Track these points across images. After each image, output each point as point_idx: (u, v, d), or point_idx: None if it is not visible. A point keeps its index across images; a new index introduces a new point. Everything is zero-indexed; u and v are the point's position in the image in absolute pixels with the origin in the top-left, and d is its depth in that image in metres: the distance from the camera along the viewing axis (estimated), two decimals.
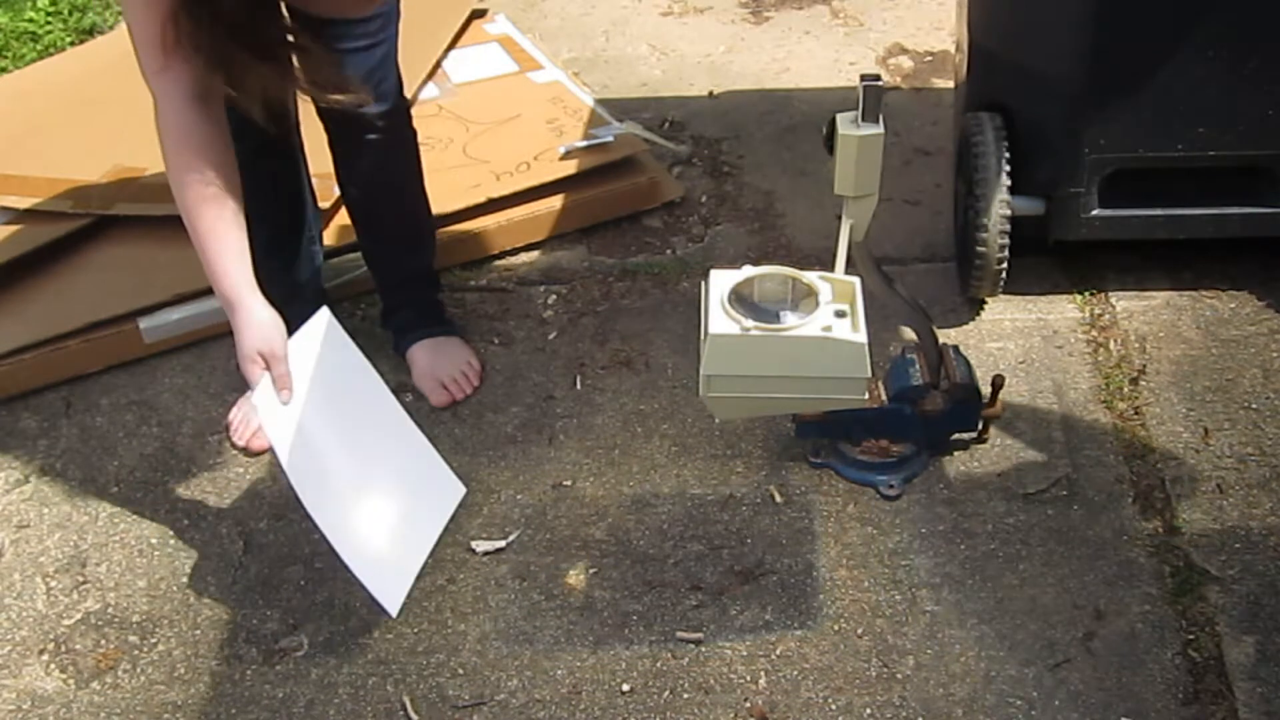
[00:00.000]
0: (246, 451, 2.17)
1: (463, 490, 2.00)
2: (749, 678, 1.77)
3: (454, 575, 1.94)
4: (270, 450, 1.79)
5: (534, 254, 2.60)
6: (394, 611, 1.81)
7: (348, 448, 1.82)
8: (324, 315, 1.84)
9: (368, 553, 1.80)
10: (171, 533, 2.04)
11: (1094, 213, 2.22)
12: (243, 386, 2.18)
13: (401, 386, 2.28)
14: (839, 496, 2.02)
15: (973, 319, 2.34)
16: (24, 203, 2.53)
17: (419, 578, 1.93)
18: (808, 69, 3.21)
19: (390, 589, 1.81)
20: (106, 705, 1.79)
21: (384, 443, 1.90)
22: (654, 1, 3.56)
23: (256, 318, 1.72)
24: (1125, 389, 2.17)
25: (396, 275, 2.30)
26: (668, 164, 2.84)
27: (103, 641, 1.88)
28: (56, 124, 2.82)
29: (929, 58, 3.22)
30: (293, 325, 1.92)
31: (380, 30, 2.00)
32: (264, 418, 1.72)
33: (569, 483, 2.08)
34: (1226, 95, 2.08)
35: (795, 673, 1.77)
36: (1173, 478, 2.01)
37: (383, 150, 2.09)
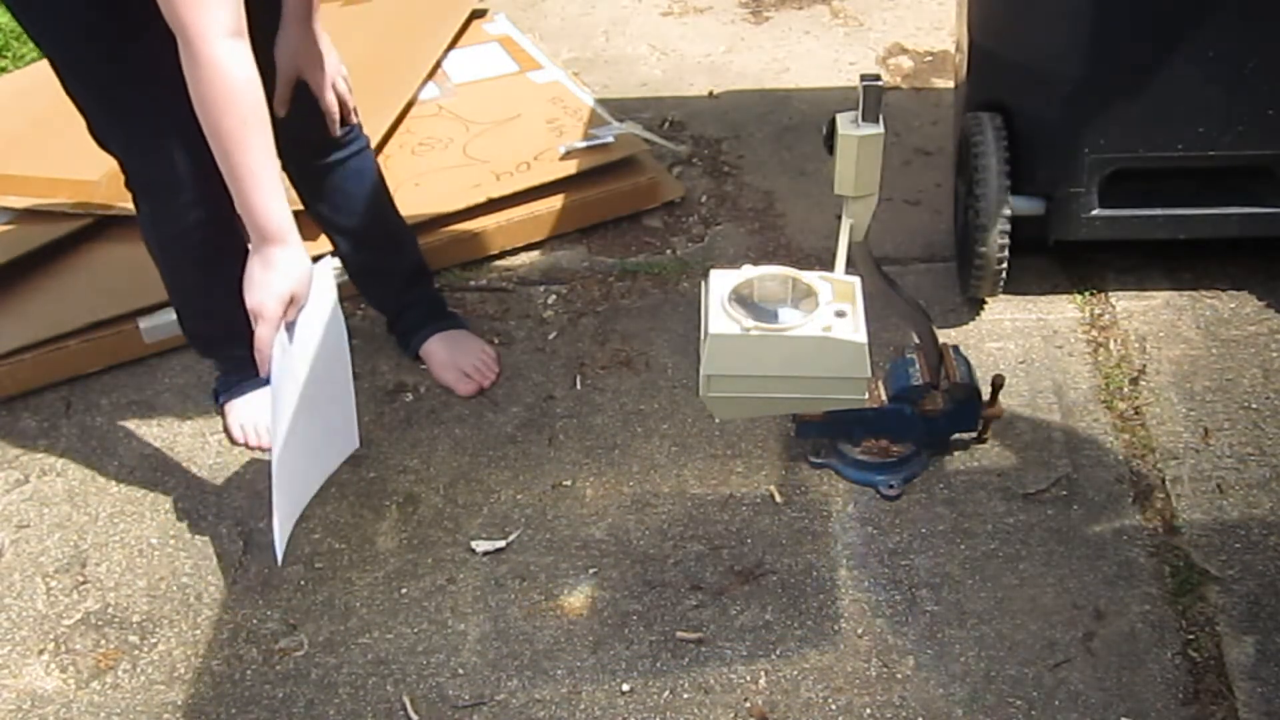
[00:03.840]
0: (247, 446, 2.18)
1: (357, 443, 2.04)
2: (749, 678, 1.77)
3: (454, 575, 1.94)
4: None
5: (534, 254, 2.60)
6: (280, 559, 1.87)
7: (304, 392, 1.84)
8: (327, 264, 1.83)
9: (287, 501, 1.86)
10: (171, 533, 2.04)
11: (1094, 213, 2.22)
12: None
13: (401, 386, 2.28)
14: (839, 496, 2.02)
15: (973, 319, 2.34)
16: (24, 203, 2.53)
17: (419, 577, 1.93)
18: (808, 69, 3.21)
19: (280, 534, 1.87)
20: (106, 705, 1.79)
21: (328, 391, 1.93)
22: (654, 1, 3.56)
23: (302, 259, 1.71)
24: (1125, 389, 2.17)
25: (392, 283, 2.30)
26: (668, 164, 2.84)
27: (103, 641, 1.88)
28: (56, 124, 2.80)
29: (929, 58, 3.22)
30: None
31: None
32: (275, 362, 1.71)
33: (569, 483, 2.08)
34: (1226, 95, 2.08)
35: (795, 673, 1.77)
36: (1173, 478, 2.01)
37: (347, 165, 2.09)
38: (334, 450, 2.06)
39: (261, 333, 1.69)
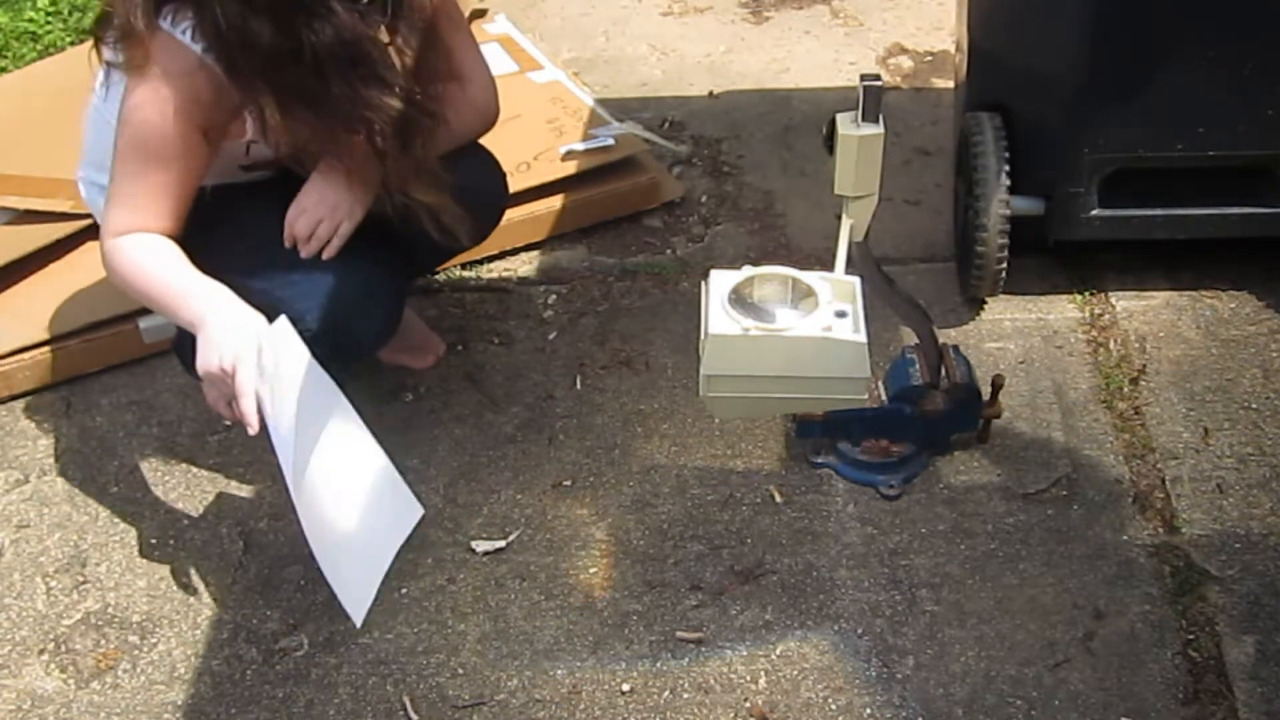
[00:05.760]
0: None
1: (421, 511, 2.00)
2: (749, 678, 1.77)
3: (454, 575, 1.94)
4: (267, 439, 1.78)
5: (534, 254, 2.60)
6: (359, 621, 1.86)
7: (317, 462, 1.79)
8: (284, 323, 1.74)
9: (339, 564, 1.84)
10: (171, 533, 2.04)
11: (1094, 213, 2.22)
12: None
13: (401, 386, 2.28)
14: (839, 496, 2.02)
15: (973, 319, 2.34)
16: (24, 203, 2.53)
17: (419, 577, 1.93)
18: (808, 69, 3.21)
19: (357, 600, 1.87)
20: (106, 705, 1.79)
21: (347, 460, 1.87)
22: (654, 1, 3.56)
23: (247, 312, 1.71)
24: (1125, 389, 2.17)
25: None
26: (668, 164, 2.84)
27: (103, 641, 1.88)
28: (56, 124, 2.81)
29: (929, 58, 3.22)
30: None
31: None
32: (275, 437, 1.69)
33: (569, 483, 2.08)
34: (1226, 95, 2.08)
35: (795, 673, 1.77)
36: (1173, 478, 2.01)
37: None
38: (391, 519, 1.97)
39: (241, 380, 1.67)
